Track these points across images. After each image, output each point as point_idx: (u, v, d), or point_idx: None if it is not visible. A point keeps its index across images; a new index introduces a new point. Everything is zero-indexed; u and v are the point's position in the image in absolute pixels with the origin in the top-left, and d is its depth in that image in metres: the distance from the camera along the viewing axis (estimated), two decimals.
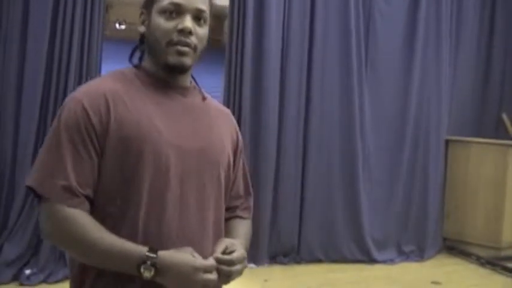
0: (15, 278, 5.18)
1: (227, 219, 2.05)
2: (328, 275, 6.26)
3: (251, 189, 2.21)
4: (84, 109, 1.74)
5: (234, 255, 1.81)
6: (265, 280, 5.87)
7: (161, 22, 1.84)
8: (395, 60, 7.02)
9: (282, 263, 6.45)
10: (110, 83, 1.84)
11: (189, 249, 1.74)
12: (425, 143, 7.12)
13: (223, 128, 2.02)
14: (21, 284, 5.13)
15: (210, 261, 1.74)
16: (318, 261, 6.57)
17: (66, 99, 1.82)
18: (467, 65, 7.45)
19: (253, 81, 6.25)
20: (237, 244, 1.87)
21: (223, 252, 1.81)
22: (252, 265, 6.16)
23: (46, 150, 1.77)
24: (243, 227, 2.09)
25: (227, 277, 1.80)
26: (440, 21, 7.09)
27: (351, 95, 6.64)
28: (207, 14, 1.94)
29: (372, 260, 6.73)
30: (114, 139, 1.75)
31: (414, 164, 7.09)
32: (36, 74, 5.31)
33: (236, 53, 6.21)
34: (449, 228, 7.32)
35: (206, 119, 1.95)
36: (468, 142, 7.21)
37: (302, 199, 6.55)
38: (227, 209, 2.05)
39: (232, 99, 6.21)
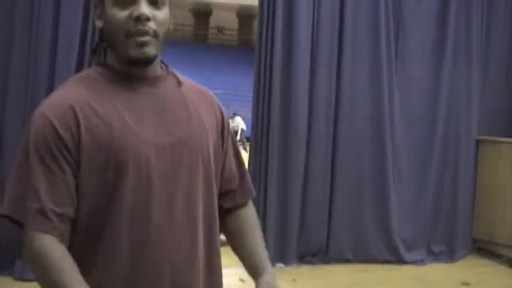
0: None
1: (229, 211, 1.98)
2: (357, 275, 6.26)
3: (245, 169, 2.06)
4: (52, 125, 1.63)
5: None
6: (294, 280, 5.88)
7: (115, 13, 1.69)
8: (425, 58, 6.97)
9: (310, 262, 6.45)
10: (75, 90, 1.71)
11: None
12: (456, 142, 7.06)
13: (204, 111, 1.87)
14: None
15: None
16: (347, 261, 6.56)
17: (33, 115, 1.68)
18: (498, 63, 7.36)
19: (282, 80, 6.27)
20: (272, 282, 1.85)
21: None
22: (280, 264, 6.18)
23: (17, 173, 1.65)
24: (252, 227, 2.02)
25: None
26: (471, 18, 7.03)
27: (381, 94, 6.62)
28: None
29: (401, 261, 6.70)
30: (88, 150, 1.64)
31: (444, 164, 7.04)
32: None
33: (266, 52, 6.23)
34: (479, 229, 7.25)
35: (183, 106, 1.81)
36: (499, 142, 7.12)
37: (331, 199, 6.55)
38: (225, 194, 1.96)
39: (261, 98, 6.24)
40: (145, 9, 1.67)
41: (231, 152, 1.99)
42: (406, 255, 6.75)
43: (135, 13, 1.67)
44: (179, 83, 1.85)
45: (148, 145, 1.69)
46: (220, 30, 43.87)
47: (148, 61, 1.73)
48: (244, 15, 41.72)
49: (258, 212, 6.54)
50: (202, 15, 43.11)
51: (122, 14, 1.68)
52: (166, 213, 1.71)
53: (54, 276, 1.57)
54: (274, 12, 6.20)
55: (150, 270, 1.68)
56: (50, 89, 5.30)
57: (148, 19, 1.68)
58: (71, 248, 1.65)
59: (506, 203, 6.95)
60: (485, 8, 7.22)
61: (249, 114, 6.61)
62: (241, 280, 5.25)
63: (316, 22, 6.43)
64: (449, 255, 7.01)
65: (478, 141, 7.23)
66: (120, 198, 1.65)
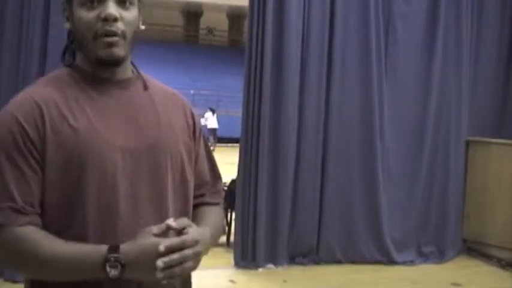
0: None
1: (194, 207, 1.91)
2: (348, 276, 6.26)
3: (218, 172, 2.04)
4: (19, 123, 1.62)
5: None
6: (284, 281, 5.87)
7: (83, 14, 1.68)
8: (415, 60, 6.99)
9: (301, 263, 6.44)
10: (43, 89, 1.71)
11: (147, 229, 1.60)
12: (445, 143, 7.07)
13: (174, 115, 1.85)
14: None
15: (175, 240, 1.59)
16: (337, 262, 6.56)
17: (0, 114, 1.68)
18: (487, 65, 7.38)
19: (273, 81, 6.26)
20: (201, 232, 1.69)
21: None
22: (270, 265, 6.16)
23: None
24: (209, 214, 1.92)
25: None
26: (460, 21, 7.05)
27: (371, 96, 6.63)
28: None
29: (391, 261, 6.71)
30: (52, 150, 1.63)
31: (434, 165, 7.05)
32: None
33: (256, 53, 6.22)
34: (469, 229, 7.27)
35: (152, 110, 1.80)
36: (488, 143, 7.15)
37: (321, 200, 6.54)
38: (194, 197, 1.91)
39: (252, 99, 6.23)
40: (112, 9, 1.67)
41: (203, 154, 1.97)
42: (397, 256, 6.75)
43: (103, 14, 1.66)
44: (145, 87, 1.83)
45: (115, 148, 1.68)
46: (210, 31, 43.80)
47: (117, 62, 1.72)
48: (234, 16, 41.64)
49: (248, 213, 6.55)
50: (193, 16, 42.97)
51: (90, 15, 1.67)
52: (132, 215, 1.69)
53: (48, 249, 1.58)
54: (264, 13, 6.19)
55: None
56: None
57: (116, 19, 1.67)
58: None
59: (496, 204, 6.98)
60: (475, 9, 7.24)
61: (239, 115, 6.59)
62: (231, 281, 5.25)
63: (306, 23, 6.43)
64: (440, 255, 7.02)
65: (468, 142, 7.25)
66: (84, 202, 1.64)
